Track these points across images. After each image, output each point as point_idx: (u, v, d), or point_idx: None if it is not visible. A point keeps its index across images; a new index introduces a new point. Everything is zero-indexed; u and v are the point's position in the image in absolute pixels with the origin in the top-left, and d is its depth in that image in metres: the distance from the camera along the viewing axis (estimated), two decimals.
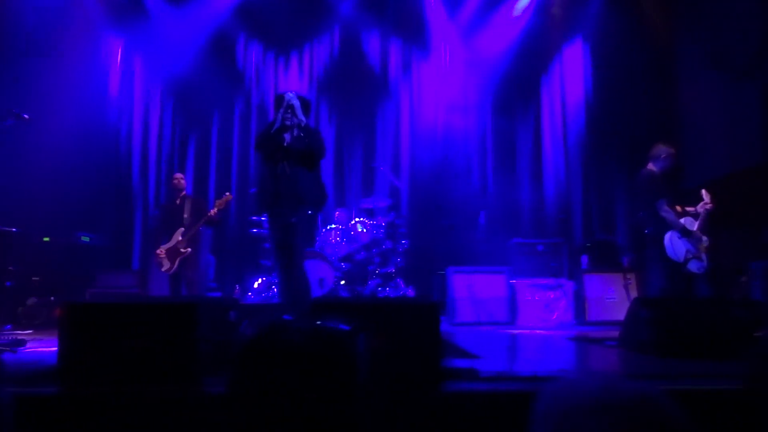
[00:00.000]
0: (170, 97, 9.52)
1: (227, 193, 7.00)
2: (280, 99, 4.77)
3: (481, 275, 7.42)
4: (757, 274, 6.16)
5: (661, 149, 5.75)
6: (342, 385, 1.05)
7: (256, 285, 7.77)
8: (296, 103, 4.70)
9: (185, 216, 6.88)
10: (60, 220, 7.75)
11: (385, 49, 9.67)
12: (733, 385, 2.66)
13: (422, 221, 9.02)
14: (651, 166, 5.74)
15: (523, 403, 1.05)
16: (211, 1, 9.27)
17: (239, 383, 1.08)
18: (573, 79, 9.44)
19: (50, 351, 3.89)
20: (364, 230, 7.98)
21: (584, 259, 7.85)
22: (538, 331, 6.63)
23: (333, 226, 8.02)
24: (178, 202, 7.05)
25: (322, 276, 7.39)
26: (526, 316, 7.25)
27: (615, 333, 4.90)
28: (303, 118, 4.71)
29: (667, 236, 5.49)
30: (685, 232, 5.48)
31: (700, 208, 5.62)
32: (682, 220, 5.56)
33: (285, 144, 4.65)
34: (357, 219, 8.13)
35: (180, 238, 6.75)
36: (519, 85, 9.43)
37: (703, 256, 5.50)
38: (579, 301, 7.38)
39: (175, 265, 6.70)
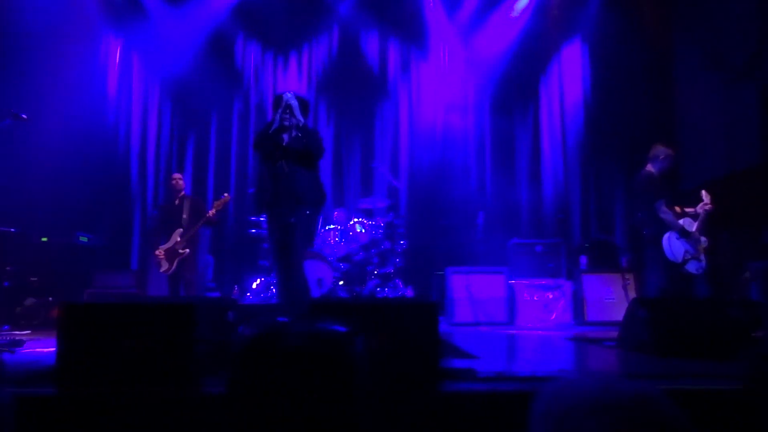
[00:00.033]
0: (169, 97, 9.51)
1: (225, 194, 6.99)
2: (278, 99, 4.77)
3: (480, 275, 7.42)
4: (756, 275, 6.17)
5: (660, 150, 5.74)
6: (341, 386, 1.05)
7: (254, 285, 7.77)
8: (294, 103, 4.69)
9: (184, 216, 6.87)
10: (58, 220, 7.73)
11: (384, 49, 9.67)
12: (732, 385, 2.66)
13: (421, 221, 9.02)
14: (649, 168, 5.73)
15: (522, 403, 1.05)
16: (210, 1, 9.27)
17: (238, 384, 1.07)
18: (571, 79, 9.44)
19: (48, 351, 3.89)
20: (363, 230, 7.98)
21: (583, 260, 7.86)
22: (536, 332, 6.63)
23: (332, 226, 8.02)
24: (177, 202, 7.04)
25: (321, 276, 7.38)
26: (524, 317, 7.26)
27: (613, 333, 4.91)
28: (301, 119, 4.71)
29: (666, 237, 5.49)
30: (683, 233, 5.48)
31: (699, 208, 5.61)
32: (681, 221, 5.55)
33: (283, 144, 4.65)
34: (356, 219, 8.13)
35: (178, 239, 6.74)
36: (518, 85, 9.43)
37: (702, 257, 5.50)
38: (577, 301, 7.38)
39: (174, 266, 6.70)
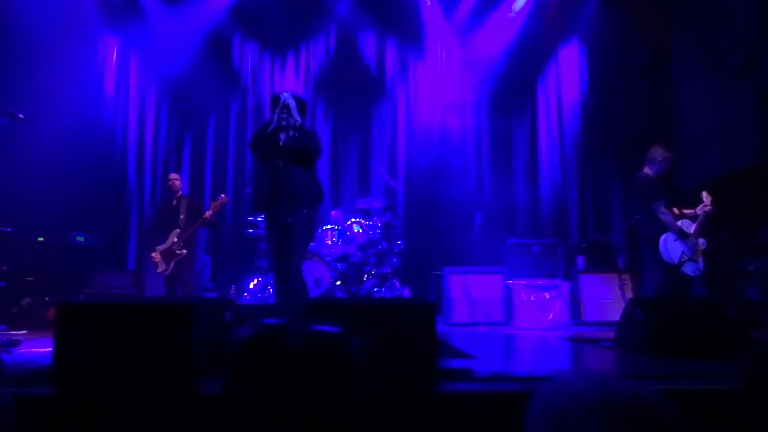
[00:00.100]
0: (166, 97, 9.50)
1: (222, 195, 6.96)
2: (276, 99, 4.77)
3: (477, 276, 7.43)
4: (754, 275, 6.17)
5: (657, 152, 5.69)
6: (337, 387, 1.05)
7: (251, 285, 7.77)
8: (292, 103, 4.70)
9: (181, 217, 6.85)
10: (55, 220, 7.71)
11: (381, 50, 9.67)
12: (729, 385, 2.67)
13: (418, 222, 9.02)
14: (647, 170, 5.71)
15: (519, 403, 1.04)
16: (207, 1, 9.26)
17: (235, 384, 1.07)
18: (569, 79, 9.45)
19: (45, 351, 3.88)
20: (360, 231, 7.98)
21: (580, 260, 7.87)
22: (533, 332, 6.64)
23: (329, 226, 8.02)
24: (174, 203, 7.01)
25: (318, 276, 7.38)
26: (521, 317, 7.27)
27: (610, 333, 4.91)
28: (298, 119, 4.71)
29: (662, 239, 5.46)
30: (681, 235, 5.44)
31: (699, 210, 5.54)
32: (679, 223, 5.53)
33: (280, 143, 4.66)
34: (353, 219, 8.14)
35: (175, 240, 6.72)
36: (515, 85, 9.44)
37: (700, 259, 5.45)
38: (574, 301, 7.39)
39: (171, 267, 6.68)
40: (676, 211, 5.64)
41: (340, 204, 9.18)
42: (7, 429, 1.39)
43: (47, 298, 7.14)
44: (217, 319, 3.46)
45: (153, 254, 6.75)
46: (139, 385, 2.71)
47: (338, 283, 7.69)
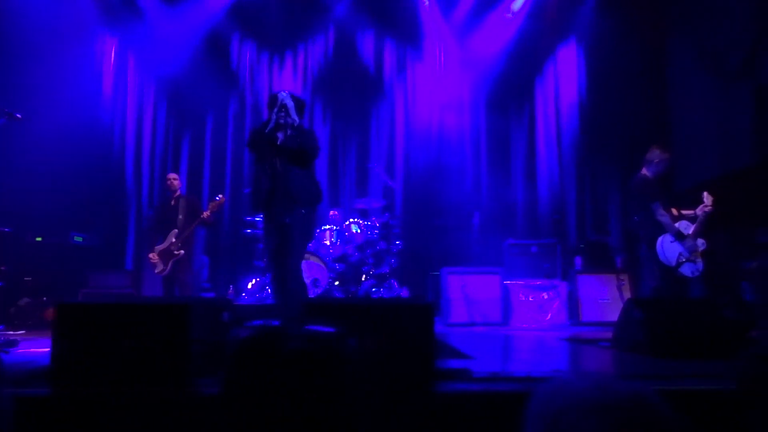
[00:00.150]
0: (164, 96, 9.50)
1: (220, 196, 6.94)
2: (273, 99, 4.76)
3: (475, 276, 7.43)
4: (751, 275, 6.18)
5: (655, 154, 5.68)
6: (334, 387, 1.05)
7: (249, 286, 7.76)
8: (290, 102, 4.69)
9: (180, 217, 6.82)
10: (53, 219, 7.71)
11: (380, 50, 9.67)
12: (726, 385, 2.67)
13: (416, 222, 9.03)
14: (644, 171, 5.71)
15: (517, 403, 1.05)
16: (205, 1, 9.25)
17: (233, 384, 1.07)
18: (567, 79, 9.47)
19: (43, 351, 3.88)
20: (359, 231, 7.98)
21: (578, 260, 7.87)
22: (531, 332, 6.64)
23: (327, 226, 8.02)
24: (172, 203, 6.99)
25: (317, 276, 7.38)
26: (519, 317, 7.27)
27: (608, 333, 4.92)
28: (296, 118, 4.70)
29: (659, 240, 5.46)
30: (679, 236, 5.44)
31: (699, 210, 5.51)
32: (677, 224, 5.52)
33: (278, 143, 4.65)
34: (351, 220, 8.14)
35: (174, 240, 6.71)
36: (513, 85, 9.45)
37: (698, 260, 5.43)
38: (572, 301, 7.40)
39: (169, 267, 6.66)
40: (675, 212, 5.63)
41: (338, 204, 9.18)
42: (7, 429, 1.39)
43: (45, 298, 7.13)
44: (215, 319, 3.45)
45: (150, 255, 6.74)
46: (137, 385, 2.70)
47: (336, 283, 7.69)
